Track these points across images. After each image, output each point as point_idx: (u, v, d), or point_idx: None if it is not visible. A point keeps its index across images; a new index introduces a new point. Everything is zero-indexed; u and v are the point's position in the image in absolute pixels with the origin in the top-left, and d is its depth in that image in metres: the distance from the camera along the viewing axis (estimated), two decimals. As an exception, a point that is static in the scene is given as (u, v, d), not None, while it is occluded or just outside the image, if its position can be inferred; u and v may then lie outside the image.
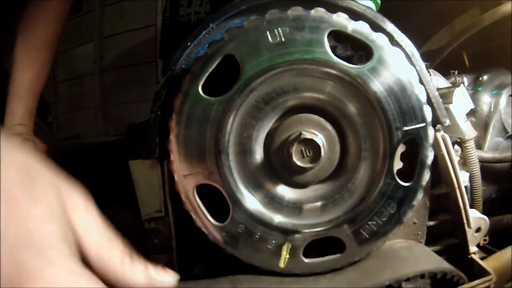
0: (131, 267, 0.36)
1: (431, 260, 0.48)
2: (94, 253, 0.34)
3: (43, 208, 0.31)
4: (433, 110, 0.45)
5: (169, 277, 0.39)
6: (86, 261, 0.34)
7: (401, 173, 0.44)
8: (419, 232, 0.52)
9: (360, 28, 0.42)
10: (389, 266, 0.46)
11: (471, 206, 0.59)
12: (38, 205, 0.31)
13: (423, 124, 0.43)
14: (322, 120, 0.45)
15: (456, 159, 0.51)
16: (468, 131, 0.55)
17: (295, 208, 0.46)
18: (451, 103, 0.50)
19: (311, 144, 0.43)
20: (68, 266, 0.30)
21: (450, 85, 0.61)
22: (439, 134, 0.49)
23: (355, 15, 0.44)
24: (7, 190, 0.29)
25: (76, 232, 0.34)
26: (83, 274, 0.31)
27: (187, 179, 0.43)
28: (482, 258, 0.55)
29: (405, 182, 0.44)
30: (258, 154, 0.45)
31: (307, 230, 0.44)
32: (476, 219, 0.53)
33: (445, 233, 0.54)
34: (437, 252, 0.51)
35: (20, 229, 0.29)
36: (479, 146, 0.72)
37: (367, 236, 0.45)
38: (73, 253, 0.32)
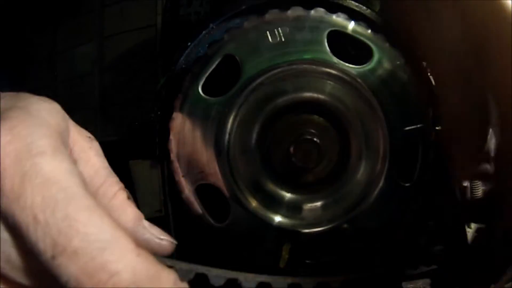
0: (122, 205, 0.32)
1: None
2: (88, 180, 0.30)
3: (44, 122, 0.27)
4: (433, 110, 0.45)
5: (165, 236, 0.33)
6: None
7: (401, 173, 0.44)
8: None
9: (360, 28, 0.42)
10: None
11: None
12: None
13: (423, 124, 0.43)
14: (322, 120, 0.45)
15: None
16: (468, 131, 0.55)
17: (295, 208, 0.46)
18: (451, 103, 0.50)
19: (311, 144, 0.43)
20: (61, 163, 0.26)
21: (450, 85, 0.61)
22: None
23: (355, 15, 0.44)
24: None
25: (74, 156, 0.30)
26: (75, 173, 0.26)
27: (187, 179, 0.43)
28: (482, 258, 0.55)
29: (405, 182, 0.44)
30: (258, 154, 0.45)
31: (307, 230, 0.44)
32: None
33: (445, 233, 0.54)
34: (437, 252, 0.51)
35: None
36: (479, 146, 0.72)
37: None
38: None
